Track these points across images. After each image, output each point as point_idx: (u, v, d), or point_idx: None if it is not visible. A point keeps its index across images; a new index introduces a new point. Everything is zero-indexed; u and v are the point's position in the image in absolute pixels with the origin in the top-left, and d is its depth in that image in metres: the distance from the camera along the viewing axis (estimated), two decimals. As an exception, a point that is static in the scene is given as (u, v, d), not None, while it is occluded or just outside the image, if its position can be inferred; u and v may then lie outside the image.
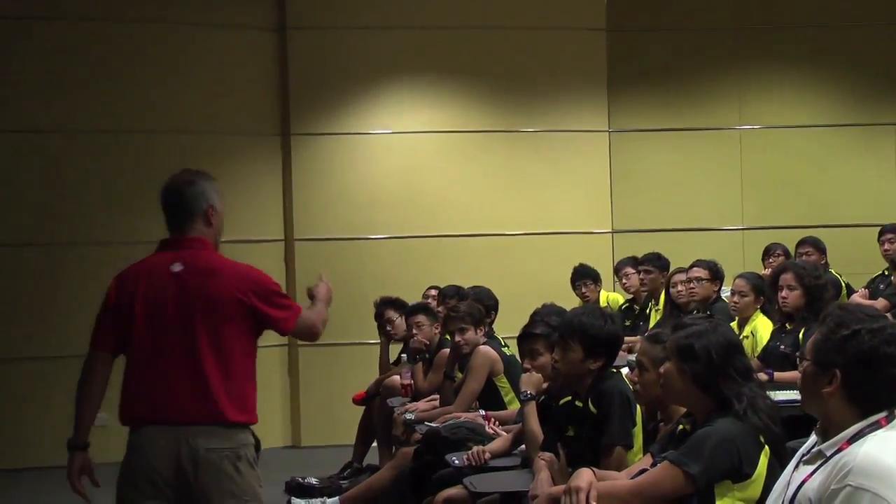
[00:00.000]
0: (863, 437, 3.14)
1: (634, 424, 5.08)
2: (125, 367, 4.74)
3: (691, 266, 9.15)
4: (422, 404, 8.02)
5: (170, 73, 11.41)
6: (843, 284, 9.98)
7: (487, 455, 5.97)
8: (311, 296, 5.15)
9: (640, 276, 10.27)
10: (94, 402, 4.76)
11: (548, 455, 5.06)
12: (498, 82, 12.15)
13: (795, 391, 5.85)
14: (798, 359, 6.50)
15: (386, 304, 9.54)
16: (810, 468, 3.22)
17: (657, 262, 10.27)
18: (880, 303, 8.91)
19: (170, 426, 4.58)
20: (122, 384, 4.72)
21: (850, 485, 3.03)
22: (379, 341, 9.74)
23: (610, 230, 12.34)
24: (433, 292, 10.07)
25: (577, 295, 10.70)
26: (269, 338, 12.47)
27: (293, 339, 11.74)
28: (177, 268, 4.67)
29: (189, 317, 4.62)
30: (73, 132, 11.02)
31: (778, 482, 3.43)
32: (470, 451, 6.03)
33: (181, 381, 4.60)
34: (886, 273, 9.67)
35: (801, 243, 10.37)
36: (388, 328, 9.47)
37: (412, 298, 9.79)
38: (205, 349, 4.60)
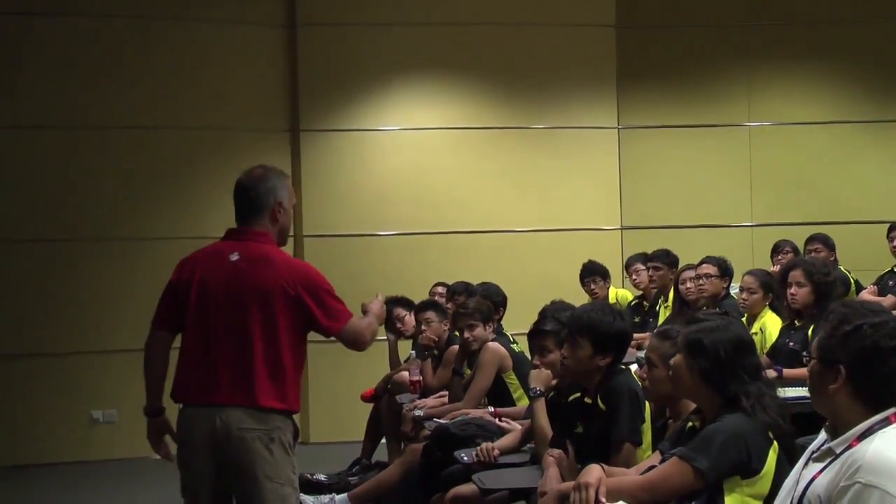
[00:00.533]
0: (872, 433, 3.14)
1: (643, 421, 5.08)
2: (180, 348, 4.97)
3: (700, 263, 9.16)
4: (430, 401, 8.03)
5: (179, 70, 11.42)
6: (853, 281, 9.97)
7: (496, 452, 5.97)
8: (365, 311, 5.28)
9: (650, 273, 10.27)
10: (157, 374, 5.00)
11: (557, 451, 5.06)
12: (507, 79, 12.14)
13: (804, 388, 5.85)
14: (806, 357, 6.53)
15: (393, 303, 9.54)
16: (820, 465, 3.22)
17: (666, 258, 10.27)
18: (888, 300, 8.90)
19: (208, 407, 4.79)
20: (176, 363, 4.97)
21: (859, 482, 3.03)
22: (387, 338, 9.75)
23: (619, 227, 12.33)
24: (440, 289, 10.07)
25: (586, 291, 10.68)
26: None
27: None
28: (234, 257, 4.89)
29: (239, 304, 4.83)
30: (81, 129, 11.02)
31: (787, 479, 3.43)
32: (479, 448, 6.02)
33: (225, 365, 4.80)
34: (895, 270, 9.65)
35: (810, 240, 10.36)
36: (399, 325, 9.48)
37: (421, 295, 9.80)
38: (251, 336, 4.80)
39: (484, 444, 6.06)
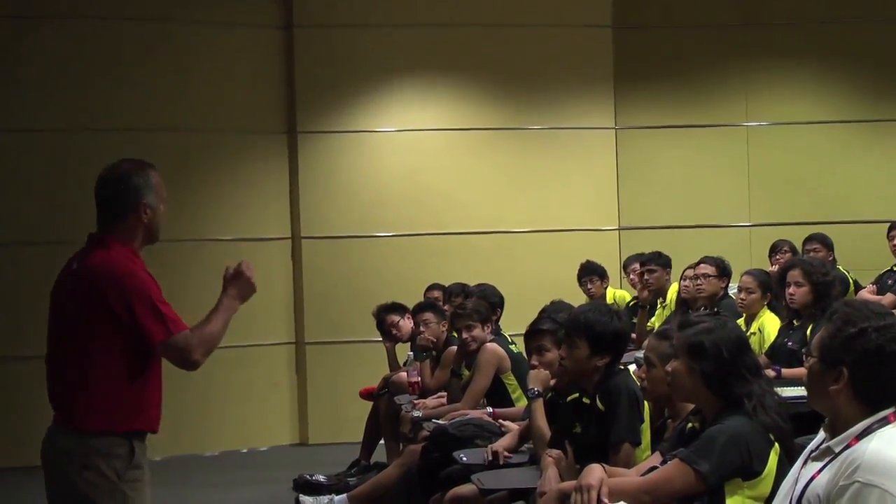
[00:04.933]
0: (871, 433, 3.13)
1: (642, 421, 5.08)
2: None
3: (699, 262, 9.16)
4: (429, 401, 8.03)
5: (176, 71, 11.42)
6: (851, 281, 9.97)
7: (506, 454, 5.94)
8: (226, 284, 4.60)
9: (645, 277, 10.20)
10: None
11: (555, 452, 5.06)
12: (504, 79, 12.14)
13: (803, 388, 5.84)
14: (804, 356, 6.52)
15: (385, 311, 9.53)
16: (819, 465, 3.22)
17: (659, 259, 10.24)
18: (888, 299, 8.90)
19: (51, 427, 4.52)
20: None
21: (858, 481, 3.02)
22: (385, 346, 9.73)
23: (617, 227, 12.33)
24: (436, 293, 10.04)
25: (584, 291, 10.70)
26: (277, 335, 12.52)
27: (301, 337, 11.77)
28: (74, 265, 4.57)
29: (64, 317, 4.52)
30: (77, 131, 10.98)
31: (786, 479, 3.42)
32: (487, 451, 5.98)
33: (55, 383, 4.51)
34: (894, 269, 9.65)
35: (808, 240, 10.36)
36: (394, 331, 9.47)
37: (418, 296, 9.79)
38: (73, 352, 4.44)
39: (491, 447, 6.02)
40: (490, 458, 5.90)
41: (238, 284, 4.56)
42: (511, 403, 7.32)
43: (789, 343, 7.43)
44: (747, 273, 8.32)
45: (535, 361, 5.97)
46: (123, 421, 4.39)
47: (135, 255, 4.53)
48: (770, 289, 8.12)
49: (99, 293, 4.37)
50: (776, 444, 3.94)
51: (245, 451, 11.47)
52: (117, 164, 4.70)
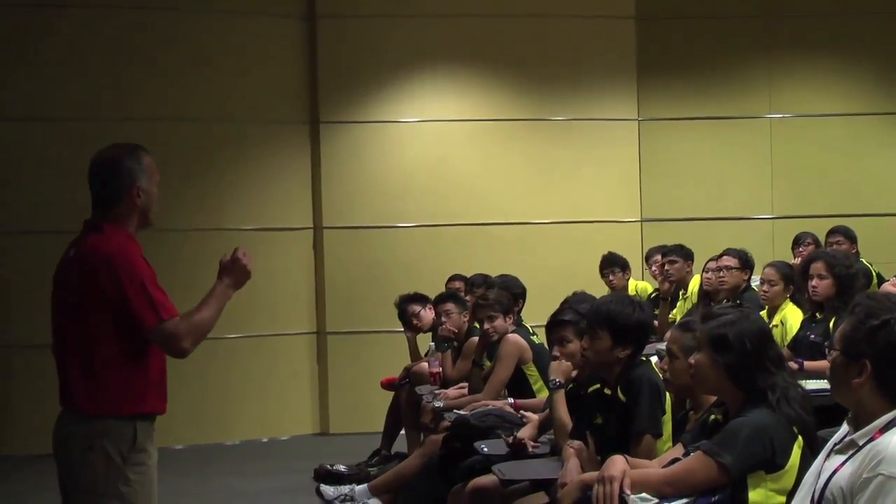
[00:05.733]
0: (895, 426, 3.13)
1: (664, 412, 5.07)
2: None
3: (721, 255, 9.13)
4: (451, 391, 8.03)
5: (199, 62, 11.43)
6: (874, 274, 9.92)
7: (532, 443, 5.94)
8: (221, 271, 4.59)
9: (666, 269, 10.18)
10: None
11: (577, 443, 5.05)
12: (527, 70, 12.12)
13: (826, 381, 5.82)
14: (827, 349, 6.50)
15: (407, 301, 9.55)
16: (842, 458, 3.21)
17: (681, 251, 10.22)
18: (911, 292, 8.86)
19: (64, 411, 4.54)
20: None
21: (882, 474, 3.02)
22: (406, 336, 9.75)
23: (639, 219, 12.30)
24: (457, 284, 10.05)
25: (605, 283, 10.69)
26: (298, 325, 12.55)
27: (322, 327, 11.78)
28: (72, 252, 4.58)
29: (64, 303, 4.56)
30: (99, 120, 10.95)
31: (809, 472, 3.42)
32: (512, 439, 5.97)
33: (60, 368, 4.54)
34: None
35: (831, 232, 10.32)
36: (415, 322, 9.48)
37: (439, 287, 9.80)
38: (73, 336, 4.50)
39: (514, 437, 6.01)
40: (514, 446, 5.88)
41: (233, 272, 4.55)
42: (532, 394, 7.32)
43: (812, 336, 7.40)
44: (770, 265, 8.30)
45: (556, 352, 5.97)
46: (125, 404, 4.40)
47: (130, 239, 4.53)
48: (792, 281, 8.09)
49: (93, 277, 4.39)
50: (799, 437, 3.93)
51: (266, 440, 11.50)
52: (108, 148, 4.73)
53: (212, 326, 4.47)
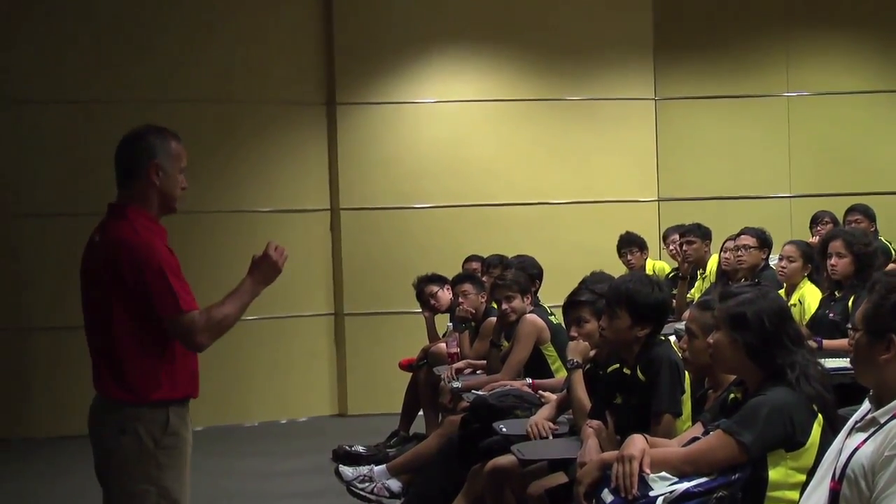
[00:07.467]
0: (917, 403, 3.12)
1: (683, 392, 5.06)
2: None
3: (739, 234, 9.11)
4: (460, 364, 8.08)
5: (215, 42, 11.42)
6: (893, 252, 9.88)
7: (552, 425, 5.91)
8: (253, 267, 4.59)
9: (684, 248, 10.16)
10: None
11: (596, 423, 5.06)
12: (544, 50, 12.08)
13: (845, 359, 5.81)
14: (849, 330, 6.48)
15: (425, 282, 9.59)
16: (863, 435, 3.20)
17: (698, 231, 10.22)
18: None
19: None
20: None
21: (904, 452, 3.01)
22: (423, 316, 9.77)
23: (656, 198, 12.27)
24: (474, 264, 10.05)
25: (623, 262, 10.68)
26: (316, 307, 12.52)
27: (340, 308, 11.79)
28: (97, 237, 4.55)
29: (89, 289, 4.52)
30: (117, 102, 10.94)
31: (830, 449, 3.41)
32: (531, 424, 5.94)
33: (91, 354, 4.52)
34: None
35: (850, 211, 10.29)
36: (433, 302, 9.51)
37: (457, 268, 9.81)
38: (97, 323, 4.48)
39: (532, 420, 5.97)
40: (535, 433, 5.84)
41: (263, 268, 4.53)
42: (550, 374, 7.32)
43: (830, 315, 7.38)
44: (790, 242, 8.30)
45: (574, 332, 5.96)
46: (154, 390, 4.36)
47: (153, 222, 4.49)
48: (811, 260, 8.07)
49: (115, 264, 4.36)
50: (819, 415, 3.92)
51: (284, 421, 11.53)
52: (140, 126, 4.69)
53: (233, 323, 4.42)
